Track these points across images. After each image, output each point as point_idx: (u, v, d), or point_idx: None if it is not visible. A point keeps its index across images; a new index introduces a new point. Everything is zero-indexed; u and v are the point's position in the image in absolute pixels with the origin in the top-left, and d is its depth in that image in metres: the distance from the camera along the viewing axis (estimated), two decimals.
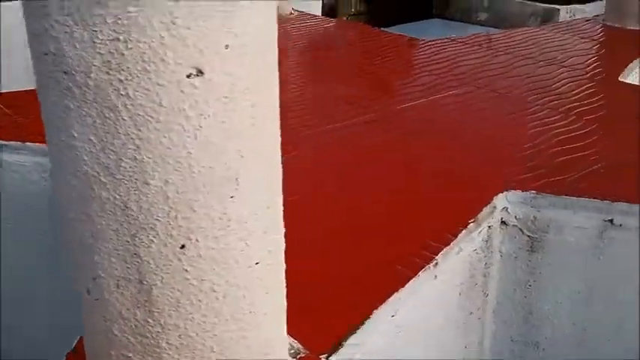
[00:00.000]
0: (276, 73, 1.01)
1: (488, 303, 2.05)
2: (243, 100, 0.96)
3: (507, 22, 9.20)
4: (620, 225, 1.96)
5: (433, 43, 3.58)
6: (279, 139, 1.08)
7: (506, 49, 3.41)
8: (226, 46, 0.92)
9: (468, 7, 10.08)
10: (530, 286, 2.12)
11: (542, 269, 2.08)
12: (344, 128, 2.46)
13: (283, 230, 1.14)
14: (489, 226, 2.00)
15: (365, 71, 3.17)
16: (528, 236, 2.06)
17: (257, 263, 1.09)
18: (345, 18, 10.08)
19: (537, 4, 9.54)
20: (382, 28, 10.48)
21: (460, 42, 3.53)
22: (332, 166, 2.25)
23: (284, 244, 1.15)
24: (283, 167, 1.09)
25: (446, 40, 3.60)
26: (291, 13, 4.32)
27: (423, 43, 3.60)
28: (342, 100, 2.78)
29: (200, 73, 0.91)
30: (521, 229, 2.06)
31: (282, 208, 1.13)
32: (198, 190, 0.98)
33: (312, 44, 3.77)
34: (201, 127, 0.94)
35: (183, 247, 1.00)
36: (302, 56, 3.58)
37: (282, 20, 4.09)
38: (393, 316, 1.59)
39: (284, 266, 1.18)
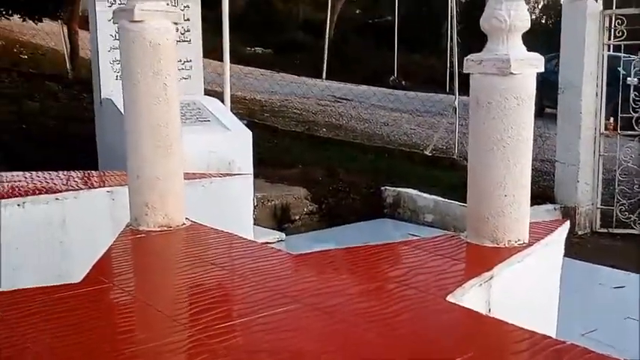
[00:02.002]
0: None
1: None
2: None
3: (453, 223, 9.60)
4: None
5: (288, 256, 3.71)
6: None
7: (350, 266, 3.57)
8: None
9: (416, 209, 10.52)
10: None
11: None
12: None
13: None
14: None
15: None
16: None
17: None
18: (297, 217, 10.49)
19: None
20: (333, 228, 10.80)
21: (304, 258, 3.67)
22: None
23: None
24: None
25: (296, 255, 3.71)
26: (184, 224, 4.29)
27: (282, 254, 3.74)
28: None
29: None
30: None
31: None
32: None
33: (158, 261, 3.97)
34: None
35: None
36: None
37: (170, 231, 4.21)
38: None
39: None
